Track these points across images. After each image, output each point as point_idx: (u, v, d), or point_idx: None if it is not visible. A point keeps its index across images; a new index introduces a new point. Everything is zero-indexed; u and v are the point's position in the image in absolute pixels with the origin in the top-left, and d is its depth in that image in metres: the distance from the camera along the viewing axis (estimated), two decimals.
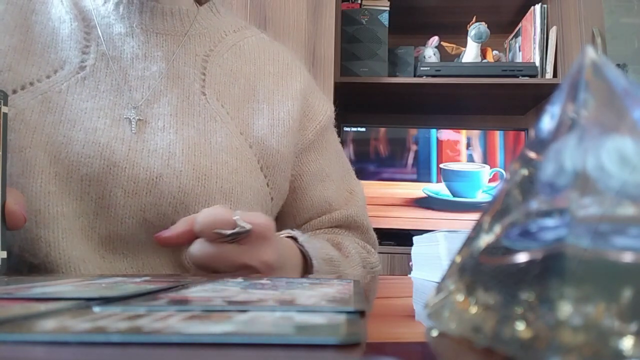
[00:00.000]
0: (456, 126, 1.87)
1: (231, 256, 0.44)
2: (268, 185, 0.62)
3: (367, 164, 1.83)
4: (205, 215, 0.44)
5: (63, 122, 0.53)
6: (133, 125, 0.55)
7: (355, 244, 0.67)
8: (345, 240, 0.65)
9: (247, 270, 0.45)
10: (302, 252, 0.55)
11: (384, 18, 1.77)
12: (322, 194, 0.67)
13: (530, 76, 1.70)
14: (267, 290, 0.26)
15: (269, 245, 0.46)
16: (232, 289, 0.27)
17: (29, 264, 0.50)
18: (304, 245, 0.54)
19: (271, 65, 0.67)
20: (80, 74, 0.56)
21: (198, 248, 0.44)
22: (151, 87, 0.58)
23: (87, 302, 0.21)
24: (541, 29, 1.74)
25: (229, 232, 0.43)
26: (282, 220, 0.68)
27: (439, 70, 1.73)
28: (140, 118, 0.56)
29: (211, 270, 0.44)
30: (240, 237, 0.44)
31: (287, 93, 0.66)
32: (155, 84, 0.58)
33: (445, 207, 1.79)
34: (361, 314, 0.20)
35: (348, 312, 0.19)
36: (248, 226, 0.43)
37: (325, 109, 0.70)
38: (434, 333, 0.18)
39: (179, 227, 0.45)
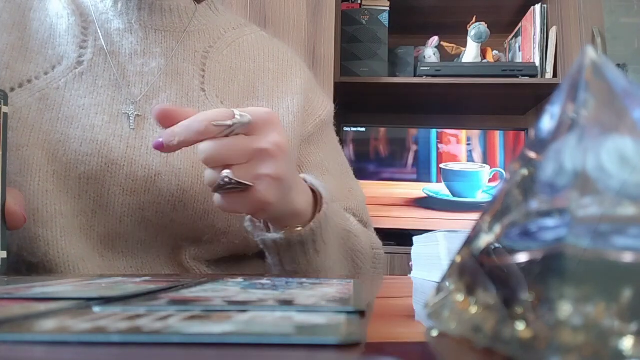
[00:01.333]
0: (456, 126, 1.87)
1: (242, 144, 0.42)
2: None
3: (367, 164, 1.83)
4: (204, 114, 0.42)
5: (61, 119, 0.53)
6: (131, 121, 0.55)
7: (358, 224, 0.66)
8: (350, 216, 0.64)
9: (260, 157, 0.43)
10: (312, 190, 0.53)
11: (384, 18, 1.77)
12: None
13: (530, 76, 1.70)
14: (267, 290, 0.26)
15: (275, 129, 0.44)
16: (232, 289, 0.27)
17: (28, 262, 0.50)
18: (313, 183, 0.53)
19: (271, 63, 0.67)
20: (78, 69, 0.56)
21: (207, 143, 0.42)
22: (150, 83, 0.58)
23: (87, 302, 0.21)
24: (541, 29, 1.74)
25: (230, 121, 0.41)
26: None
27: (439, 70, 1.72)
28: (139, 114, 0.56)
29: (224, 166, 0.42)
30: (243, 128, 0.42)
31: (286, 90, 0.66)
32: (154, 80, 0.58)
33: (445, 207, 1.79)
34: (361, 314, 0.20)
35: (348, 312, 0.19)
36: (247, 116, 0.42)
37: (325, 104, 0.70)
38: (434, 333, 0.18)
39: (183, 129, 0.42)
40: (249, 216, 0.52)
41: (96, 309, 0.20)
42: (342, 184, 0.69)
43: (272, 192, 0.43)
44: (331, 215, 0.53)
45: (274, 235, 0.50)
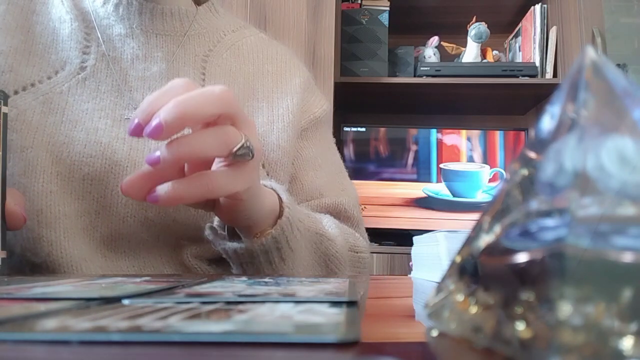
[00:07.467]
0: (456, 126, 1.88)
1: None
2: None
3: (367, 164, 1.83)
4: (216, 131, 0.38)
5: (64, 122, 0.53)
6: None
7: (341, 226, 0.63)
8: (325, 218, 0.61)
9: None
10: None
11: (384, 18, 1.77)
12: (314, 181, 0.66)
13: (530, 76, 1.70)
14: (271, 287, 0.27)
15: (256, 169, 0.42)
16: (239, 285, 0.28)
17: (31, 263, 0.50)
18: (273, 187, 0.51)
19: (270, 64, 0.67)
20: (80, 75, 0.56)
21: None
22: (152, 87, 0.58)
23: (87, 302, 0.21)
24: (541, 29, 1.74)
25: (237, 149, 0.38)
26: None
27: (439, 70, 1.73)
28: None
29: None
30: (242, 160, 0.39)
31: (285, 89, 0.66)
32: (155, 85, 0.58)
33: (445, 207, 1.79)
34: (354, 304, 0.21)
35: (343, 302, 0.21)
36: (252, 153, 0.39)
37: (322, 104, 0.70)
38: (434, 333, 0.18)
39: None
40: (209, 224, 0.50)
41: (125, 301, 0.21)
42: (334, 181, 0.68)
43: (257, 171, 0.42)
44: (297, 220, 0.51)
45: (234, 244, 0.48)
